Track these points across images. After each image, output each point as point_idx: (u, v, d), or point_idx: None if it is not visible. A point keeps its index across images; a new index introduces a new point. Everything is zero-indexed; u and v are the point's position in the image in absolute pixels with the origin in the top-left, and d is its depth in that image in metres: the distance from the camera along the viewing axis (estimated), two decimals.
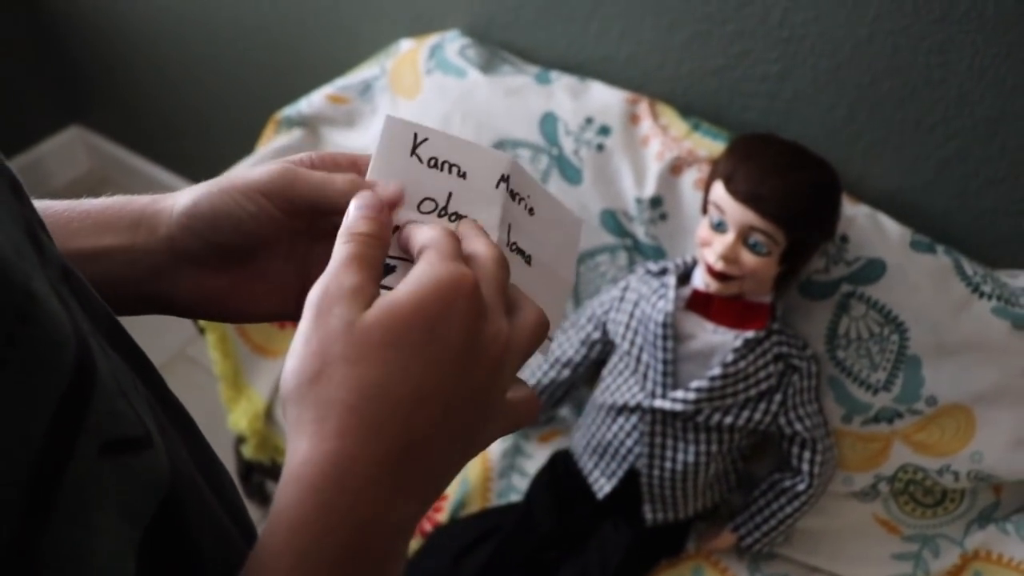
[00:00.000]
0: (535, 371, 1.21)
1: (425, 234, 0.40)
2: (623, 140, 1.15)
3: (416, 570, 1.17)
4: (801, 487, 1.08)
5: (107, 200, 0.45)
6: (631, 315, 1.10)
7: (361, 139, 1.34)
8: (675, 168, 1.13)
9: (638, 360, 1.08)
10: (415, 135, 0.46)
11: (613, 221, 1.18)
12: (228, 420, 1.34)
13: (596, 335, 1.16)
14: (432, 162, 0.46)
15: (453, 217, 0.46)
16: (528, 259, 0.47)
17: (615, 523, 1.16)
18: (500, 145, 1.20)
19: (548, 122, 1.18)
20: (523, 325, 0.40)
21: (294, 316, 0.46)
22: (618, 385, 1.12)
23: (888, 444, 1.10)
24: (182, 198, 0.45)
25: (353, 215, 0.40)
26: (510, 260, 0.44)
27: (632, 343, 1.09)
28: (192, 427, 0.40)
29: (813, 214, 0.96)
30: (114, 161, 2.25)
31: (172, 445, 0.34)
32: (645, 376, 1.07)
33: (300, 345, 0.36)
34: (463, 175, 0.46)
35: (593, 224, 1.20)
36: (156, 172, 2.18)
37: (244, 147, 1.50)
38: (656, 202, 1.14)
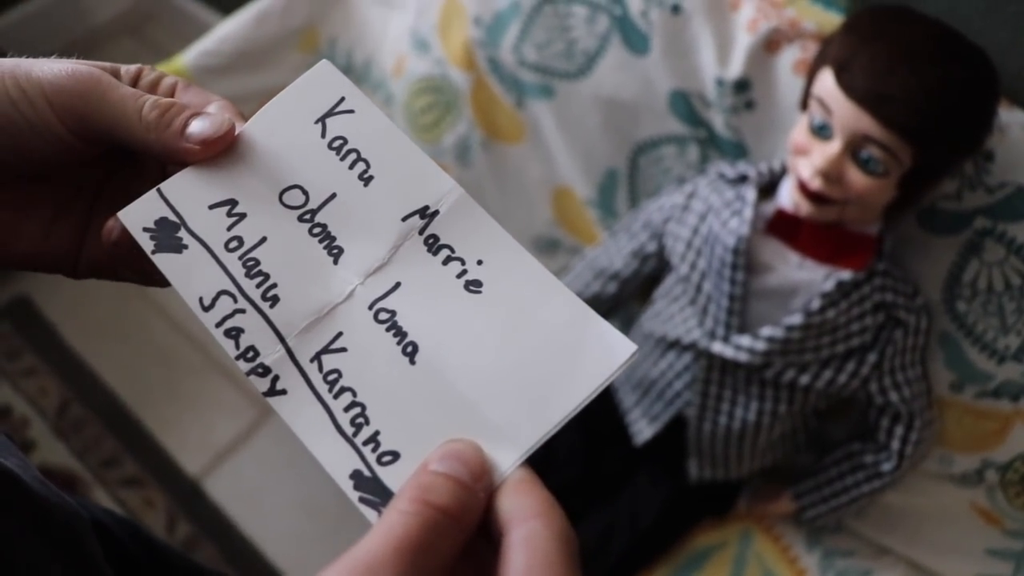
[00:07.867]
0: (573, 280, 1.00)
1: (540, 526, 0.27)
2: (706, 1, 0.89)
3: None
4: (886, 467, 0.87)
5: None
6: (695, 231, 0.87)
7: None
8: (771, 43, 0.87)
9: (698, 289, 0.86)
10: (341, 98, 0.36)
11: (685, 105, 0.94)
12: None
13: (651, 247, 0.94)
14: (337, 143, 0.35)
15: (316, 229, 0.34)
16: (411, 351, 0.32)
17: (653, 475, 0.98)
18: None
19: None
20: None
21: (67, 273, 0.38)
22: (671, 314, 0.91)
23: (1007, 425, 0.86)
24: None
25: (438, 468, 0.28)
26: (371, 337, 0.32)
27: (693, 267, 0.87)
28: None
29: (956, 126, 0.69)
30: None
31: None
32: (704, 310, 0.86)
33: None
34: (366, 179, 0.35)
35: (660, 107, 0.96)
36: (206, 15, 1.99)
37: None
38: (742, 86, 0.89)
